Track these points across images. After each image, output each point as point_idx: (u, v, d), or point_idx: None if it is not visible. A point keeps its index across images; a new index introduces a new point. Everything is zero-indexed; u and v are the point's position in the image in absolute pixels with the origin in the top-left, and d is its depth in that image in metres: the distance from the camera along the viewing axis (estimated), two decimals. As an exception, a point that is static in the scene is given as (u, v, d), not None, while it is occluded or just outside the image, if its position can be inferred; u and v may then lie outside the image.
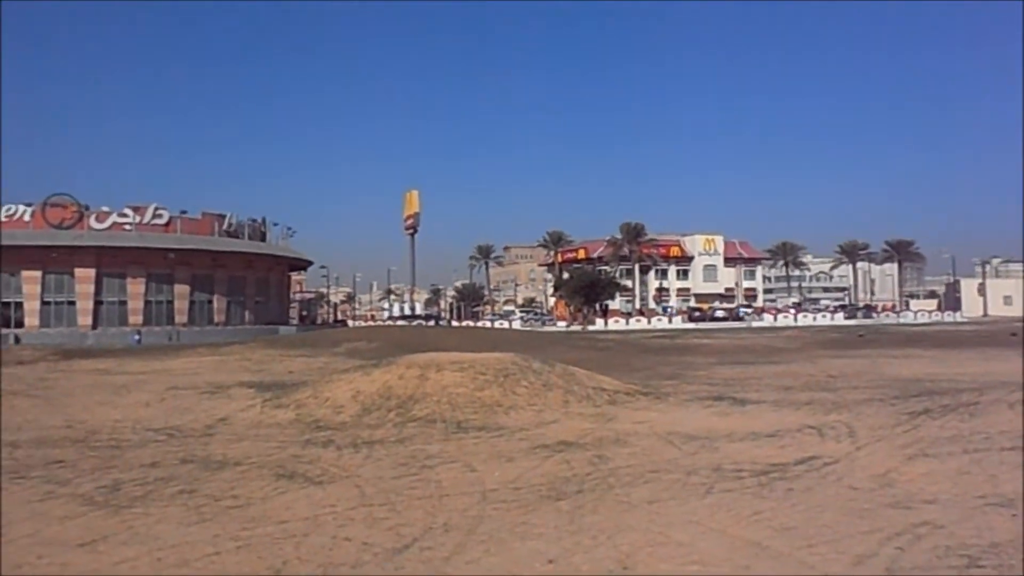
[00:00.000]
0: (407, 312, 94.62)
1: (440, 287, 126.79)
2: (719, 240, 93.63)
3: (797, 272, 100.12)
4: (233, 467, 8.66)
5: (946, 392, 12.48)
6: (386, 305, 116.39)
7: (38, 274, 48.95)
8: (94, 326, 48.86)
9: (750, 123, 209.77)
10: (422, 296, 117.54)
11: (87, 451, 9.87)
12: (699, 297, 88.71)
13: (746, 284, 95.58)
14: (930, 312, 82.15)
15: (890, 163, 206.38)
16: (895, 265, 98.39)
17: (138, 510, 6.87)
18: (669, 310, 80.00)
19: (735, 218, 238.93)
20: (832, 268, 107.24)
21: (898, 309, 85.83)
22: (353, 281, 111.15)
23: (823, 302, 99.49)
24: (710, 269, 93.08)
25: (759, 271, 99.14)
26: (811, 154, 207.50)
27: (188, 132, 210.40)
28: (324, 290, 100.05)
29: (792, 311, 76.23)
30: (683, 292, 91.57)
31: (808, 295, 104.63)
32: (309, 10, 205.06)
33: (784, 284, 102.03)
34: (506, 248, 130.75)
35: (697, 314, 73.03)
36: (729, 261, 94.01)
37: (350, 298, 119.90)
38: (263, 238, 58.87)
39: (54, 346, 35.15)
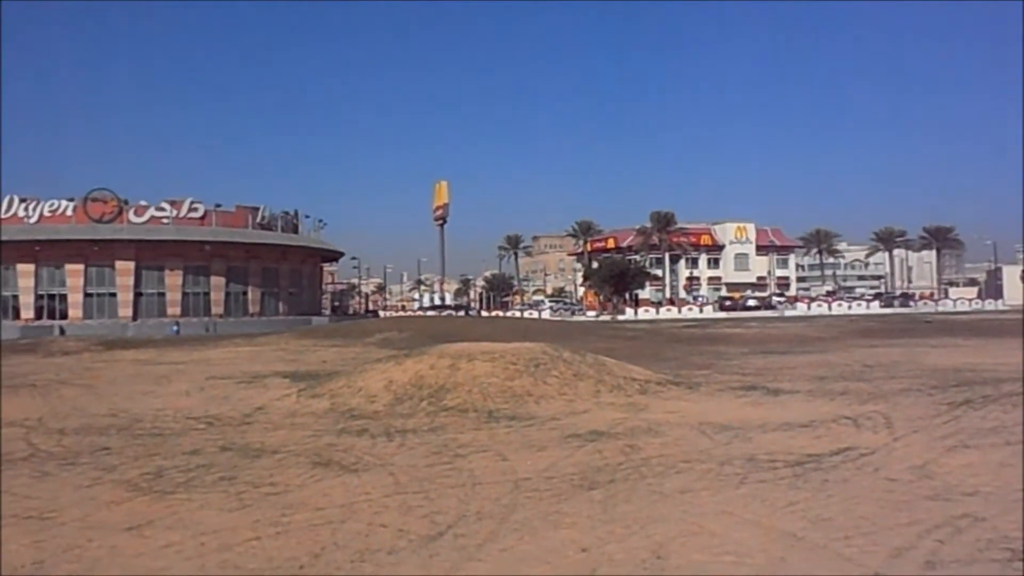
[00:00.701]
0: (437, 302, 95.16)
1: (470, 277, 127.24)
2: (751, 228, 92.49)
3: (831, 260, 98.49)
4: (271, 455, 8.84)
5: (987, 382, 12.27)
6: (416, 295, 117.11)
7: (81, 267, 50.22)
8: (134, 317, 50.01)
9: (782, 109, 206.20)
10: (452, 286, 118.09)
11: (131, 439, 10.14)
12: (730, 286, 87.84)
13: (779, 272, 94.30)
14: (970, 300, 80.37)
15: (929, 147, 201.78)
16: (933, 252, 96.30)
17: (181, 496, 7.07)
18: (700, 299, 79.39)
19: (767, 205, 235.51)
20: (868, 256, 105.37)
21: (937, 297, 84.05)
22: (384, 272, 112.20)
23: (858, 290, 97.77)
24: (741, 257, 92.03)
25: (792, 259, 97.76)
26: (846, 139, 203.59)
27: (221, 126, 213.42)
28: (355, 281, 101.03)
29: (827, 300, 75.09)
30: (714, 281, 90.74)
31: (843, 283, 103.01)
32: (340, 2, 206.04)
33: (818, 272, 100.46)
34: (535, 238, 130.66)
35: (728, 303, 72.34)
36: (761, 249, 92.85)
37: (381, 289, 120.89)
38: (295, 230, 59.67)
39: (97, 337, 36.01)
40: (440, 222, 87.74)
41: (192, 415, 12.11)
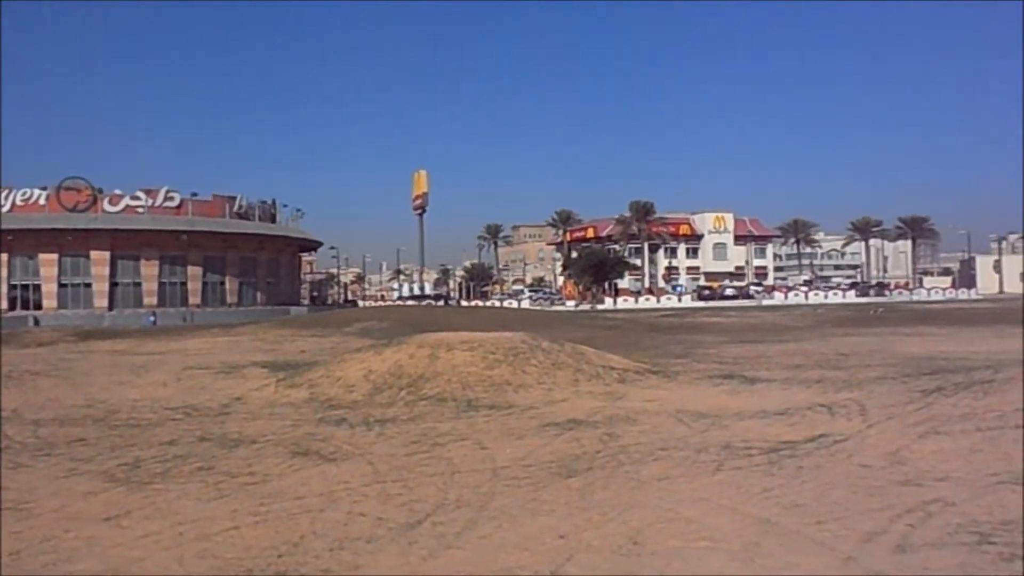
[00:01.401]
0: (416, 292, 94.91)
1: (449, 267, 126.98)
2: (729, 218, 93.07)
3: (808, 250, 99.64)
4: (249, 445, 8.81)
5: (959, 370, 12.48)
6: (395, 285, 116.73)
7: (55, 257, 49.45)
8: (110, 307, 49.38)
9: (761, 100, 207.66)
10: (431, 276, 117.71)
11: (108, 429, 10.05)
12: (709, 275, 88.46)
13: (757, 262, 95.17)
14: (944, 289, 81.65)
15: (904, 138, 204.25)
16: (909, 242, 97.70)
17: (159, 486, 7.03)
18: (679, 289, 79.90)
19: (745, 196, 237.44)
20: (844, 245, 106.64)
21: (911, 287, 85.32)
22: (363, 261, 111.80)
23: (835, 280, 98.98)
24: (720, 247, 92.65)
25: (770, 249, 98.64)
26: (824, 130, 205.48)
27: (197, 115, 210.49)
28: (334, 271, 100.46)
29: (803, 289, 75.91)
30: (693, 271, 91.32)
31: (820, 273, 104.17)
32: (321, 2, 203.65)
33: (795, 262, 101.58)
34: (514, 227, 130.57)
35: (707, 293, 72.89)
36: (739, 239, 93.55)
37: (360, 278, 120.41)
38: (273, 220, 59.14)
39: (72, 327, 35.54)
40: (419, 211, 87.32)
41: (169, 405, 12.02)
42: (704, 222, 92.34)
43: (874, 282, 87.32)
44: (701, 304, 63.04)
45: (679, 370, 15.07)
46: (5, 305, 48.82)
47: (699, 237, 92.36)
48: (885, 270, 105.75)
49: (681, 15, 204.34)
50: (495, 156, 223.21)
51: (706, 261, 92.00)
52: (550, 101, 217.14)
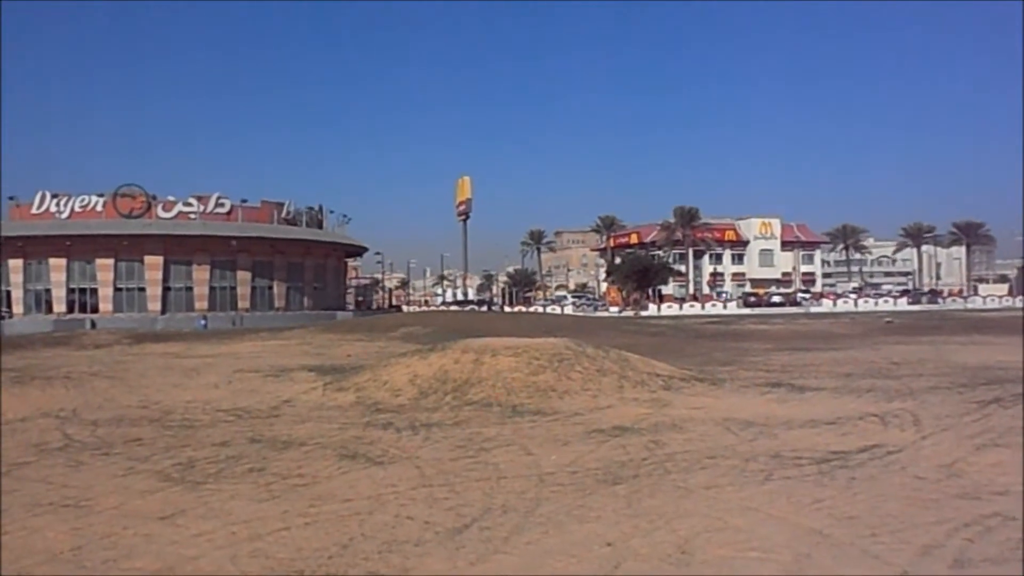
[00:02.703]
0: (460, 298, 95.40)
1: (492, 272, 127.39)
2: (776, 223, 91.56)
3: (858, 256, 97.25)
4: (298, 447, 8.98)
5: (1017, 380, 12.08)
6: (439, 291, 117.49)
7: (111, 262, 51.02)
8: (163, 311, 50.74)
9: (808, 104, 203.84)
10: (474, 282, 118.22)
11: (162, 430, 10.34)
12: (755, 282, 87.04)
13: (804, 269, 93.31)
14: (1000, 297, 78.80)
15: (958, 141, 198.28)
16: (963, 248, 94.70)
17: (212, 486, 7.21)
18: (724, 295, 78.76)
19: (793, 201, 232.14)
20: (895, 252, 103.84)
21: (966, 294, 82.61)
22: (407, 267, 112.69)
23: (885, 287, 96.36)
24: (766, 253, 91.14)
25: (818, 255, 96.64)
26: (873, 134, 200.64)
27: (248, 123, 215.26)
28: (379, 276, 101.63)
29: (853, 296, 74.15)
30: (738, 277, 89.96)
31: (869, 280, 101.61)
32: (364, 6, 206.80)
33: (844, 269, 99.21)
34: (557, 233, 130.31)
35: (753, 299, 71.70)
36: (786, 245, 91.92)
37: (404, 284, 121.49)
38: (320, 225, 60.11)
39: (127, 330, 36.64)
40: (463, 217, 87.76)
41: (221, 407, 12.31)
42: (750, 228, 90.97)
43: (926, 289, 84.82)
44: (747, 311, 62.06)
45: (725, 377, 14.88)
46: (64, 308, 50.57)
47: (745, 243, 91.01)
48: (938, 277, 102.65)
49: (725, 18, 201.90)
50: (539, 162, 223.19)
51: (752, 267, 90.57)
52: (594, 106, 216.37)
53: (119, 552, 5.45)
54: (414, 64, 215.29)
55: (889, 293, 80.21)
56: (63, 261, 50.88)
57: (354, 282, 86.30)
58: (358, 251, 69.22)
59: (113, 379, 15.96)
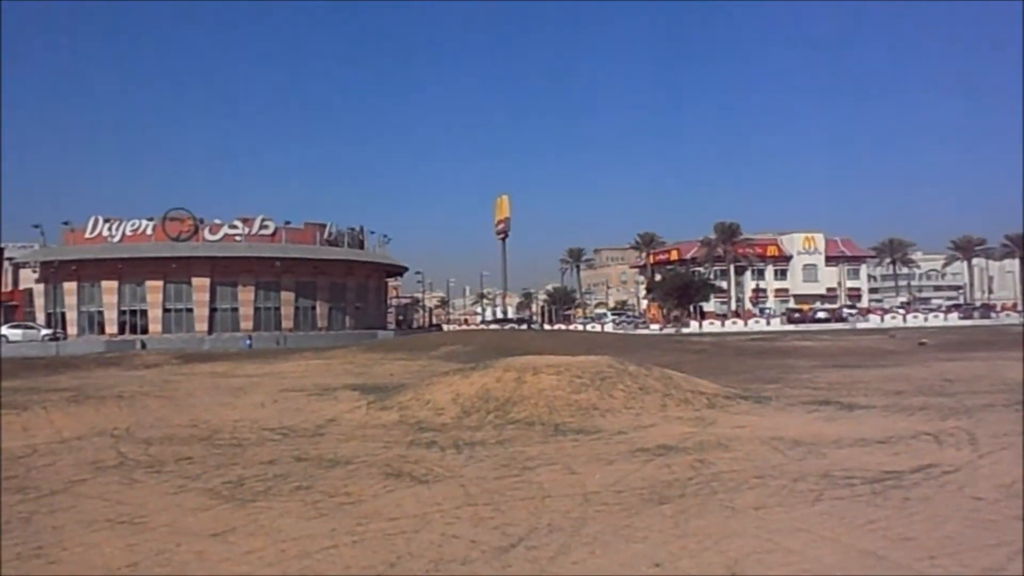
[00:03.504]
0: (499, 316, 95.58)
1: (532, 291, 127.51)
2: (819, 238, 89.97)
3: (906, 270, 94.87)
4: (344, 466, 9.07)
5: (1079, 398, 11.64)
6: (479, 309, 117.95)
7: (160, 284, 52.39)
8: (210, 331, 51.81)
9: (851, 115, 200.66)
10: (514, 300, 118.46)
11: (212, 448, 10.55)
12: (799, 298, 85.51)
13: (849, 284, 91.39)
14: (1057, 311, 76.06)
15: (1009, 151, 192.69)
16: (1016, 261, 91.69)
17: (261, 504, 7.33)
18: (767, 312, 77.52)
19: (837, 215, 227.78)
20: (945, 265, 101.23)
21: (1021, 308, 79.90)
22: (447, 286, 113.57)
23: (935, 302, 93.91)
24: (810, 269, 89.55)
25: (864, 270, 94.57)
26: (920, 145, 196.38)
27: (290, 147, 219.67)
28: (419, 295, 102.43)
29: (901, 312, 72.31)
30: (781, 293, 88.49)
31: (918, 294, 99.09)
32: (397, 17, 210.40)
33: (891, 283, 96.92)
34: (597, 251, 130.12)
35: (797, 315, 70.41)
36: (831, 260, 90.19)
37: (444, 303, 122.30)
38: (361, 246, 60.96)
39: (175, 351, 37.55)
40: (502, 236, 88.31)
41: (267, 426, 12.51)
42: (793, 243, 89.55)
43: (978, 304, 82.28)
44: (791, 327, 60.95)
45: (771, 395, 14.63)
46: (115, 329, 52.00)
47: (788, 258, 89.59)
48: (990, 291, 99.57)
49: (764, 30, 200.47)
50: (577, 179, 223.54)
51: (795, 283, 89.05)
52: (632, 122, 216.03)
53: (173, 568, 5.57)
54: (452, 83, 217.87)
55: (939, 308, 78.04)
56: (115, 283, 52.38)
57: (394, 301, 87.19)
58: (398, 271, 69.95)
59: (163, 398, 16.33)
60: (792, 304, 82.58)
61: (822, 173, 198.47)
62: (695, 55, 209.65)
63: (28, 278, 56.74)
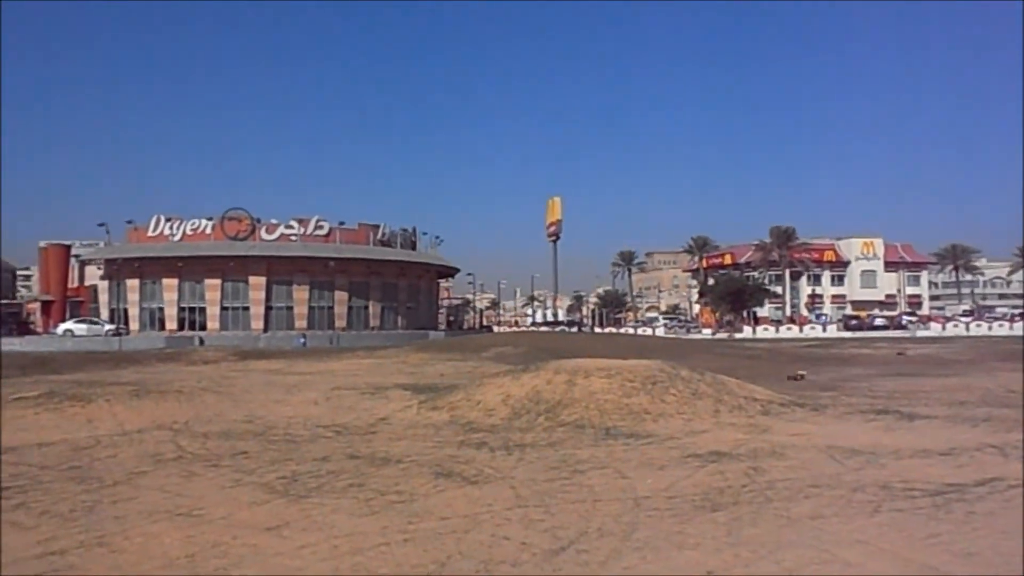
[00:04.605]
0: (550, 318, 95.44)
1: (582, 293, 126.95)
2: (878, 243, 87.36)
3: (969, 277, 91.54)
4: (395, 464, 9.17)
5: None
6: (529, 311, 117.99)
7: (218, 282, 53.85)
8: (265, 329, 53.04)
9: (913, 117, 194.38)
10: (564, 302, 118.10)
11: (266, 444, 10.79)
12: (856, 304, 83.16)
13: (910, 291, 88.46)
14: None
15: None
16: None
17: (314, 500, 7.46)
18: (823, 318, 75.68)
19: (897, 220, 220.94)
20: (1010, 272, 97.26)
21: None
22: (498, 288, 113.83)
23: (999, 310, 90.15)
24: (868, 274, 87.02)
25: (924, 276, 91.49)
26: (983, 147, 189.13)
27: (346, 148, 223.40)
28: (470, 296, 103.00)
29: (964, 320, 69.71)
30: (838, 299, 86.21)
31: (982, 302, 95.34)
32: (452, 16, 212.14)
33: (954, 291, 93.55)
34: (648, 254, 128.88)
35: (854, 322, 68.51)
36: (890, 266, 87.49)
37: (494, 304, 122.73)
38: (414, 247, 61.62)
39: (232, 347, 38.51)
40: (553, 238, 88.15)
41: (321, 423, 12.73)
42: (851, 248, 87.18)
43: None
44: (848, 334, 59.35)
45: (827, 403, 14.27)
46: (175, 326, 53.64)
47: (845, 264, 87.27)
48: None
49: (824, 29, 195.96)
50: (630, 182, 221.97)
51: (853, 289, 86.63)
52: (685, 124, 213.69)
53: (229, 560, 5.71)
54: (505, 84, 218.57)
55: (1005, 316, 74.97)
56: (175, 281, 54.02)
57: (445, 302, 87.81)
58: (450, 272, 70.46)
59: (220, 394, 16.75)
60: (849, 311, 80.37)
61: (882, 177, 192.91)
62: (749, 54, 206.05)
63: (93, 275, 59.00)
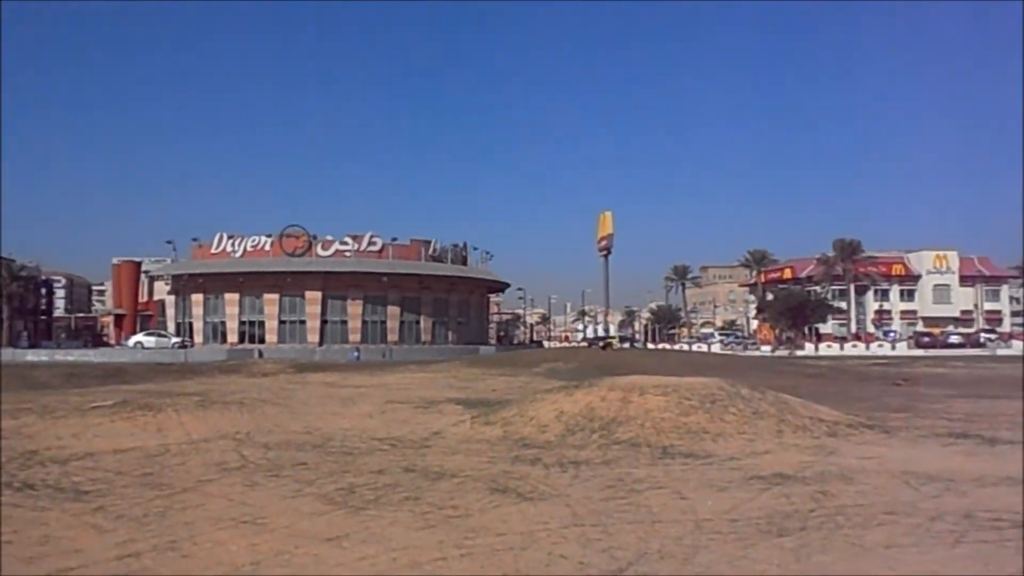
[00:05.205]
0: (601, 334, 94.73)
1: (634, 309, 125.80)
2: (952, 256, 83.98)
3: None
4: (450, 478, 9.13)
5: None
6: (580, 326, 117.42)
7: (276, 297, 55.27)
8: (320, 343, 54.11)
9: (986, 123, 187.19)
10: (616, 318, 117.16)
11: (325, 455, 10.89)
12: (928, 321, 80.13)
13: (988, 306, 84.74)
14: None
15: None
16: None
17: (372, 512, 7.47)
18: (892, 335, 73.13)
19: (973, 231, 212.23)
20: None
21: None
22: (548, 302, 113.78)
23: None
24: (942, 289, 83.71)
25: (1005, 291, 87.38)
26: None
27: (397, 166, 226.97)
28: (520, 311, 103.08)
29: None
30: (908, 315, 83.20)
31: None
32: (502, 29, 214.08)
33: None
34: (703, 268, 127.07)
35: (926, 339, 65.98)
36: (966, 280, 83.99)
37: (545, 319, 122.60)
38: (464, 262, 62.12)
39: (289, 360, 39.32)
40: (604, 253, 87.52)
41: (376, 436, 12.81)
42: (921, 261, 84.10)
43: None
44: (919, 352, 57.14)
45: (899, 425, 13.69)
46: (236, 339, 55.12)
47: (916, 278, 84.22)
48: None
49: (886, 32, 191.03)
50: (683, 194, 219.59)
51: (925, 304, 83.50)
52: (740, 134, 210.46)
53: (292, 570, 5.74)
54: (555, 97, 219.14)
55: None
56: (236, 296, 55.66)
57: (496, 317, 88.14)
58: (500, 287, 70.77)
59: (280, 405, 17.05)
60: (921, 327, 77.48)
61: (956, 187, 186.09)
62: (806, 59, 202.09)
63: (161, 290, 61.21)
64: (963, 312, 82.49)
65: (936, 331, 71.24)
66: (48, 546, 6.38)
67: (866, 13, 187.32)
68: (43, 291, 69.78)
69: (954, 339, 65.61)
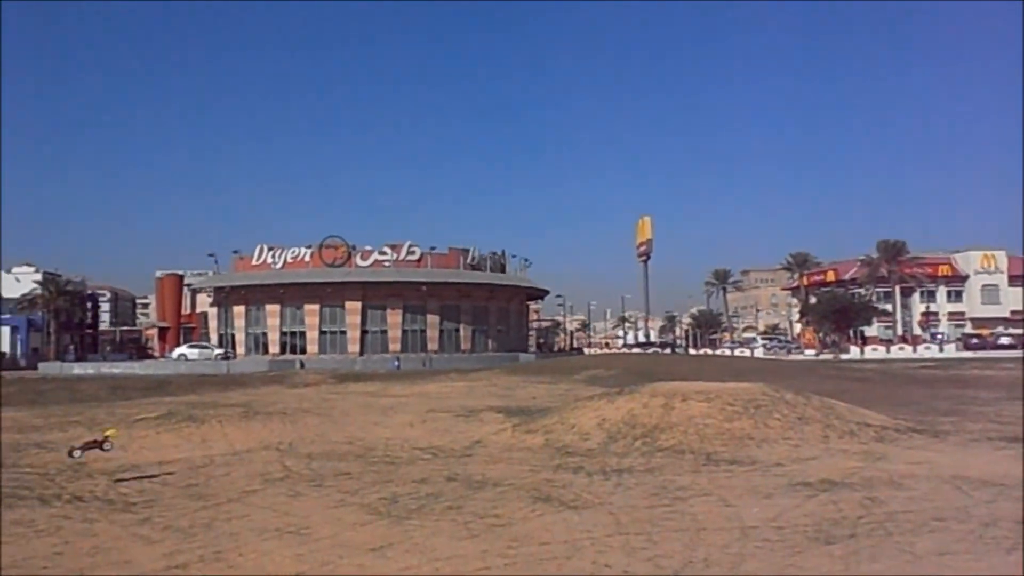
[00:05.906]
0: (641, 339, 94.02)
1: (675, 314, 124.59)
2: (1001, 256, 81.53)
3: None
4: (492, 487, 9.15)
5: None
6: (620, 333, 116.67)
7: (317, 307, 55.94)
8: (360, 352, 54.58)
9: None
10: (656, 323, 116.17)
11: (367, 465, 11.00)
12: (977, 322, 77.79)
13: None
14: None
15: None
16: None
17: (415, 522, 7.52)
18: (939, 337, 71.16)
19: (1020, 230, 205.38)
20: None
21: None
22: (588, 309, 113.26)
23: None
24: (990, 290, 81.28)
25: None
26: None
27: (435, 175, 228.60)
28: (560, 318, 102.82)
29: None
30: (956, 316, 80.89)
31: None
32: (541, 37, 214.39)
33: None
34: (744, 272, 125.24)
35: (975, 341, 64.00)
36: (1015, 280, 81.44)
37: (584, 326, 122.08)
38: (503, 270, 62.16)
39: (330, 370, 39.79)
40: (644, 258, 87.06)
41: (417, 445, 12.89)
42: (969, 262, 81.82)
43: None
44: (968, 354, 55.49)
45: (949, 429, 13.33)
46: (277, 349, 55.95)
47: (963, 278, 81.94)
48: None
49: (929, 30, 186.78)
50: (723, 197, 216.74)
51: (973, 305, 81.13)
52: (781, 135, 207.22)
53: (336, 580, 5.80)
54: (593, 102, 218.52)
55: None
56: (277, 307, 56.46)
57: (535, 324, 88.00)
58: (539, 294, 70.66)
59: (321, 416, 17.28)
60: (969, 328, 75.27)
61: (1002, 185, 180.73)
62: (847, 58, 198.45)
63: (204, 302, 62.37)
64: (1013, 312, 79.76)
65: (985, 332, 69.06)
66: (98, 557, 6.55)
67: (906, 14, 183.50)
68: (89, 305, 71.68)
69: (1004, 340, 63.51)
